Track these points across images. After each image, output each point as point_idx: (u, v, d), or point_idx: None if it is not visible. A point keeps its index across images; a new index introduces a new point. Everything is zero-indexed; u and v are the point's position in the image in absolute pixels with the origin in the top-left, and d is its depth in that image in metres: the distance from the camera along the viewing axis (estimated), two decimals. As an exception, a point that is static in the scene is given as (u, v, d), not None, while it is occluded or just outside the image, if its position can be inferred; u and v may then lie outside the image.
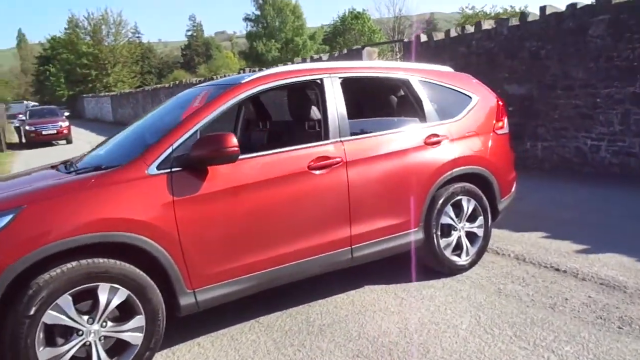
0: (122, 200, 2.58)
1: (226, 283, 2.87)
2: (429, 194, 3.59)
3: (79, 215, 2.46)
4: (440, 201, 3.66)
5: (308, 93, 3.68)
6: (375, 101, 4.16)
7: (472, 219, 3.88)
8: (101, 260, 2.49)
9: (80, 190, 2.57)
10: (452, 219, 3.76)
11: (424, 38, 9.43)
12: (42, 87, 63.86)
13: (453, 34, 8.75)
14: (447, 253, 3.76)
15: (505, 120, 4.21)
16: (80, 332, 2.46)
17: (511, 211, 4.37)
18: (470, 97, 4.01)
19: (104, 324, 2.53)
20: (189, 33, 75.93)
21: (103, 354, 2.52)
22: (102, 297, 2.50)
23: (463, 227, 3.83)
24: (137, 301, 2.59)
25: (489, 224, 3.97)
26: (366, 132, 3.48)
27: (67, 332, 2.45)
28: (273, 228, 3.01)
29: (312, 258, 3.15)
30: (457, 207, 3.80)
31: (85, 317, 2.48)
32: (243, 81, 3.15)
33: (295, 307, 3.40)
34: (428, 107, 3.74)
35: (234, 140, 2.71)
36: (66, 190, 2.59)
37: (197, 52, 71.85)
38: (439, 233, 3.69)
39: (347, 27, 44.95)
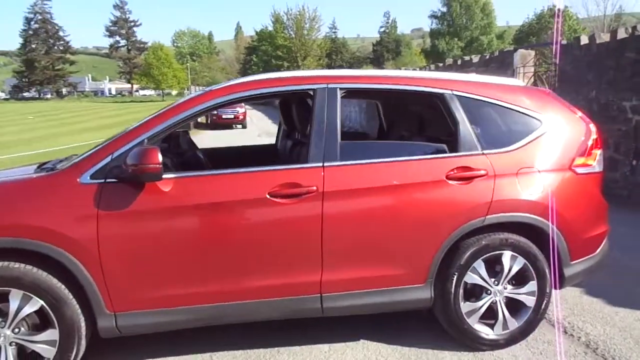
0: (44, 207, 2.46)
1: (155, 311, 2.58)
2: (445, 242, 2.78)
3: (2, 218, 2.42)
4: (467, 254, 2.81)
5: (301, 105, 3.15)
6: (394, 119, 3.41)
7: (518, 282, 2.93)
8: (16, 265, 2.42)
9: (8, 192, 2.53)
10: (483, 278, 2.87)
11: (584, 40, 7.70)
12: (245, 74, 71.80)
13: (622, 35, 6.93)
14: (472, 321, 2.89)
15: (598, 155, 3.08)
16: (-7, 332, 2.43)
17: (619, 268, 3.21)
18: (540, 122, 3.00)
19: (16, 330, 2.46)
20: (382, 29, 77.09)
21: (13, 358, 2.46)
22: (13, 304, 2.43)
23: (501, 291, 2.90)
24: (51, 313, 2.46)
25: (547, 292, 2.95)
26: (364, 158, 2.82)
27: None
28: (217, 259, 2.62)
29: (268, 300, 2.67)
30: (494, 264, 2.90)
31: (-1, 320, 2.44)
32: (210, 89, 2.79)
33: (261, 349, 2.95)
34: (465, 131, 2.89)
35: (155, 157, 2.38)
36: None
37: (388, 48, 72.60)
38: (460, 293, 2.85)
39: (543, 26, 40.54)
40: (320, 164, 2.69)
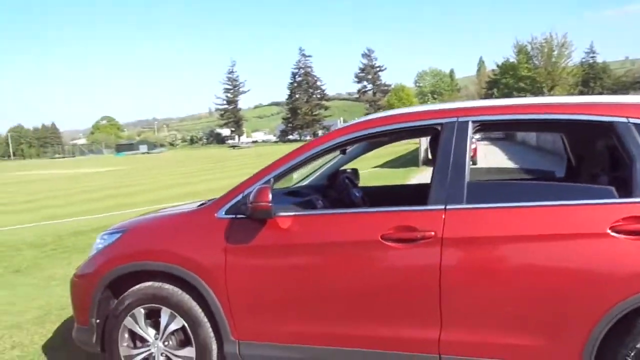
0: (188, 238, 2.81)
1: (271, 345, 2.65)
2: (608, 314, 2.14)
3: (145, 245, 2.86)
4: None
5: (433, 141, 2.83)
6: (550, 154, 2.75)
7: None
8: (167, 286, 2.81)
9: (164, 224, 2.97)
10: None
11: None
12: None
13: None
14: None
15: None
16: (148, 342, 2.86)
17: None
18: None
19: (166, 343, 2.84)
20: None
21: (162, 369, 2.84)
22: (163, 319, 2.82)
23: None
24: (190, 332, 2.77)
25: None
26: (499, 201, 2.39)
27: (138, 339, 2.89)
28: (327, 301, 2.55)
29: (379, 352, 2.47)
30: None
31: (152, 332, 2.86)
32: (336, 128, 2.78)
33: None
34: (644, 170, 2.21)
35: (265, 195, 2.48)
36: (156, 223, 3.04)
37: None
38: (636, 385, 2.14)
39: None
40: (442, 207, 2.41)
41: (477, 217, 2.37)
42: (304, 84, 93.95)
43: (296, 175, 4.17)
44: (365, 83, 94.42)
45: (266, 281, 2.66)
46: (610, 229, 2.16)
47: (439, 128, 2.58)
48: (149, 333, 2.88)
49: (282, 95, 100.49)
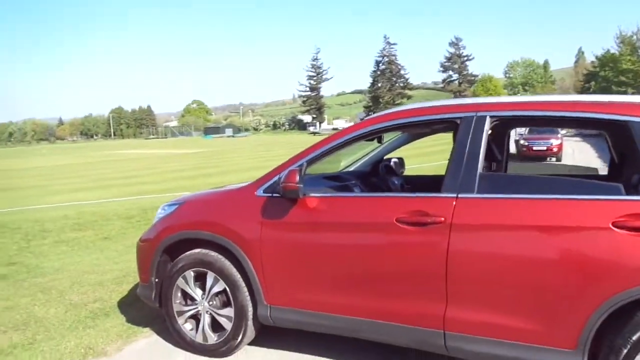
0: (231, 212, 3.19)
1: (298, 311, 2.97)
2: (604, 304, 2.23)
3: (197, 217, 3.28)
4: (638, 334, 2.18)
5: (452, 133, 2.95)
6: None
7: None
8: (212, 253, 3.22)
9: (213, 199, 3.36)
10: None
11: None
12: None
13: None
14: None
15: None
16: (196, 301, 3.29)
17: None
18: None
19: (210, 302, 3.26)
20: None
21: (207, 323, 3.27)
22: (208, 282, 3.23)
23: None
24: (230, 295, 3.16)
25: None
26: (510, 192, 2.52)
27: (189, 297, 3.33)
28: (349, 274, 2.82)
29: (395, 324, 2.71)
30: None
31: (200, 292, 3.29)
32: (365, 119, 3.00)
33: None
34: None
35: (293, 177, 2.77)
36: (206, 198, 3.45)
37: None
38: (630, 375, 2.22)
39: None
40: (454, 195, 2.58)
41: (485, 206, 2.52)
42: (387, 72, 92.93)
43: (344, 162, 4.45)
44: (450, 72, 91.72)
45: (293, 254, 2.98)
46: (612, 224, 2.23)
47: (458, 122, 2.73)
48: (197, 293, 3.31)
49: (366, 83, 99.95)
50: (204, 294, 3.30)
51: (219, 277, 3.20)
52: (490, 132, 3.60)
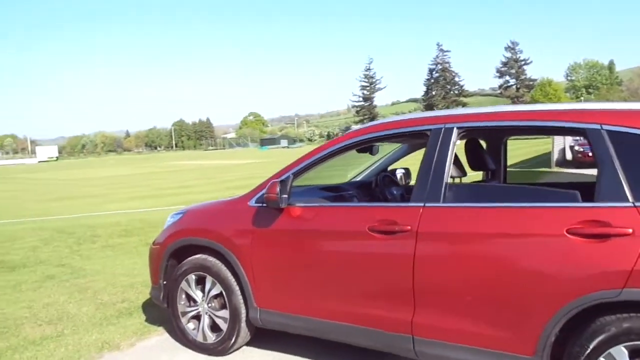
0: (226, 221, 3.43)
1: (282, 314, 3.16)
2: (560, 311, 2.26)
3: (196, 224, 3.54)
4: (601, 335, 2.20)
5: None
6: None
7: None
8: (211, 258, 3.47)
9: (211, 208, 3.63)
10: (626, 373, 2.16)
11: None
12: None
13: None
14: None
15: None
16: (197, 302, 3.55)
17: None
18: None
19: (209, 304, 3.51)
20: None
21: (207, 324, 3.52)
22: (207, 285, 3.49)
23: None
24: (226, 298, 3.39)
25: None
26: (476, 201, 2.60)
27: (191, 299, 3.60)
28: (326, 280, 2.98)
29: (368, 328, 2.83)
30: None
31: (200, 294, 3.54)
32: (345, 133, 3.15)
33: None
34: (609, 175, 2.27)
35: (274, 189, 2.97)
36: (207, 207, 3.72)
37: None
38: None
39: None
40: (421, 204, 2.68)
41: (449, 214, 2.62)
42: (441, 80, 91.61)
43: (351, 173, 4.61)
44: (507, 78, 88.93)
45: (277, 259, 3.18)
46: (567, 231, 2.27)
47: (429, 133, 2.83)
48: (198, 295, 3.57)
49: (420, 92, 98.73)
50: (204, 296, 3.55)
51: (216, 281, 3.44)
52: (487, 143, 3.68)
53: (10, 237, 9.46)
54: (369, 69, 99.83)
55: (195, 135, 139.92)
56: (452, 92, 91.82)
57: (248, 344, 3.64)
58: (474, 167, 3.47)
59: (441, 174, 2.70)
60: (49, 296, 5.31)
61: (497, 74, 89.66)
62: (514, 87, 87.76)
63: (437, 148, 2.75)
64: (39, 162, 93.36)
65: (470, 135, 2.95)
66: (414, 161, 4.49)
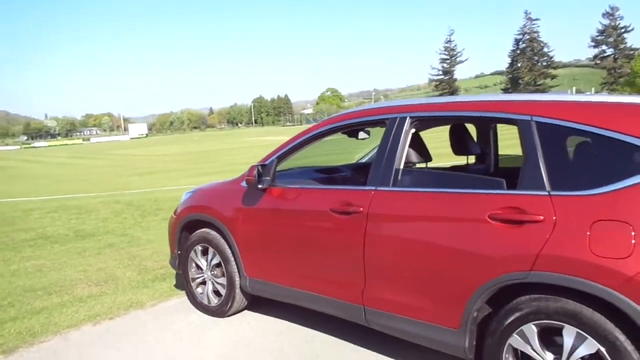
0: (223, 199, 3.87)
1: (265, 282, 3.56)
2: (479, 289, 2.45)
3: (202, 202, 4.02)
4: (510, 319, 2.38)
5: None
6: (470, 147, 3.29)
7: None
8: (212, 232, 3.95)
9: (213, 188, 4.09)
10: (534, 349, 2.33)
11: None
12: None
13: None
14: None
15: None
16: (202, 270, 4.07)
17: None
18: (662, 161, 2.09)
19: (212, 272, 4.00)
20: None
21: (210, 289, 4.04)
22: (209, 255, 3.99)
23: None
24: (223, 267, 3.86)
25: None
26: (418, 186, 2.80)
27: (199, 267, 4.10)
28: (295, 254, 3.34)
29: (329, 298, 3.17)
30: (553, 338, 2.29)
31: (204, 263, 4.03)
32: (315, 123, 3.42)
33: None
34: (531, 165, 2.39)
35: (252, 171, 3.36)
36: (211, 187, 4.19)
37: None
38: (505, 357, 2.43)
39: None
40: (373, 188, 2.93)
41: (395, 198, 2.86)
42: (527, 50, 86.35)
43: (358, 155, 4.87)
44: (604, 47, 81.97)
45: (259, 234, 3.59)
46: (489, 216, 2.44)
47: (387, 122, 3.04)
48: (203, 264, 4.07)
49: (506, 64, 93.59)
50: (207, 265, 4.04)
51: (216, 252, 3.91)
52: (476, 129, 3.80)
53: (89, 210, 10.67)
54: (449, 41, 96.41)
55: (274, 112, 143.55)
56: (539, 63, 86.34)
57: (249, 309, 4.10)
58: (458, 152, 3.61)
59: (392, 160, 2.92)
60: (104, 262, 6.12)
61: (592, 43, 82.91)
62: (612, 57, 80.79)
63: (391, 136, 2.97)
64: (131, 138, 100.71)
65: (425, 125, 3.11)
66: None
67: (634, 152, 2.19)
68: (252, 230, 3.63)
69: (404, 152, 2.94)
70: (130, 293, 4.81)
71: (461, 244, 2.54)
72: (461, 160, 3.81)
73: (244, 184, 3.73)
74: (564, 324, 2.22)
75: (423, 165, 3.33)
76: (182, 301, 4.51)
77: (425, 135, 3.38)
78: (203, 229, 4.03)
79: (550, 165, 2.36)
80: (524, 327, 2.34)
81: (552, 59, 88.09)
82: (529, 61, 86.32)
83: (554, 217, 2.25)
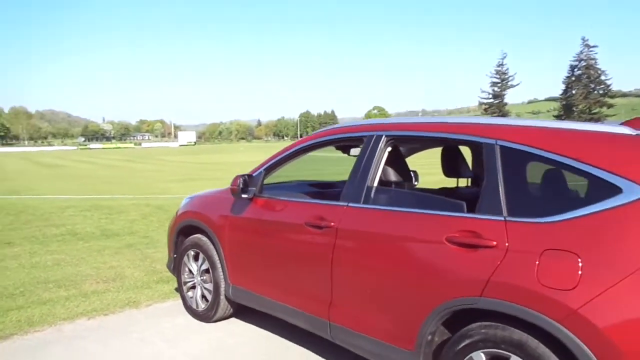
0: (214, 207, 3.98)
1: (245, 291, 3.63)
2: (433, 312, 2.41)
3: (196, 209, 4.16)
4: (461, 345, 2.33)
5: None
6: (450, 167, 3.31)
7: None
8: (203, 238, 4.07)
9: (206, 196, 4.21)
10: (486, 378, 2.27)
11: None
12: None
13: None
14: None
15: None
16: (193, 274, 4.16)
17: None
18: (620, 189, 2.01)
19: (201, 277, 4.09)
20: None
21: (199, 294, 4.12)
22: (199, 261, 4.09)
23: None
24: (211, 272, 3.95)
25: None
26: (386, 204, 2.81)
27: (190, 271, 4.20)
28: (271, 265, 3.39)
29: (299, 310, 3.20)
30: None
31: (195, 268, 4.14)
32: (305, 136, 3.47)
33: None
34: (490, 190, 2.36)
35: (235, 182, 3.47)
36: (204, 195, 4.30)
37: None
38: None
39: None
40: (345, 204, 2.95)
41: (364, 215, 2.87)
42: (583, 77, 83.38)
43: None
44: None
45: (241, 242, 3.67)
46: (446, 238, 2.41)
47: (364, 139, 3.06)
48: (194, 268, 4.18)
49: (560, 90, 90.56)
50: (198, 269, 4.14)
51: (205, 258, 4.01)
52: (471, 151, 3.75)
53: (121, 211, 11.10)
54: (501, 64, 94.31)
55: (319, 127, 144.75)
56: (595, 91, 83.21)
57: (238, 317, 4.16)
58: (448, 174, 3.57)
59: (365, 177, 2.94)
60: (118, 261, 6.36)
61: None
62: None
63: (367, 153, 3.00)
64: (180, 145, 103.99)
65: (399, 144, 3.11)
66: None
67: (592, 182, 2.12)
68: (236, 238, 3.71)
69: (379, 170, 2.95)
70: (131, 292, 4.98)
71: (418, 265, 2.52)
72: (451, 183, 3.76)
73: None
74: (510, 354, 2.16)
75: (405, 185, 3.31)
76: (177, 304, 4.62)
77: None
78: (196, 235, 4.15)
79: (509, 190, 2.32)
80: (473, 355, 2.29)
81: (610, 87, 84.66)
82: (584, 88, 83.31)
83: (507, 244, 2.21)
